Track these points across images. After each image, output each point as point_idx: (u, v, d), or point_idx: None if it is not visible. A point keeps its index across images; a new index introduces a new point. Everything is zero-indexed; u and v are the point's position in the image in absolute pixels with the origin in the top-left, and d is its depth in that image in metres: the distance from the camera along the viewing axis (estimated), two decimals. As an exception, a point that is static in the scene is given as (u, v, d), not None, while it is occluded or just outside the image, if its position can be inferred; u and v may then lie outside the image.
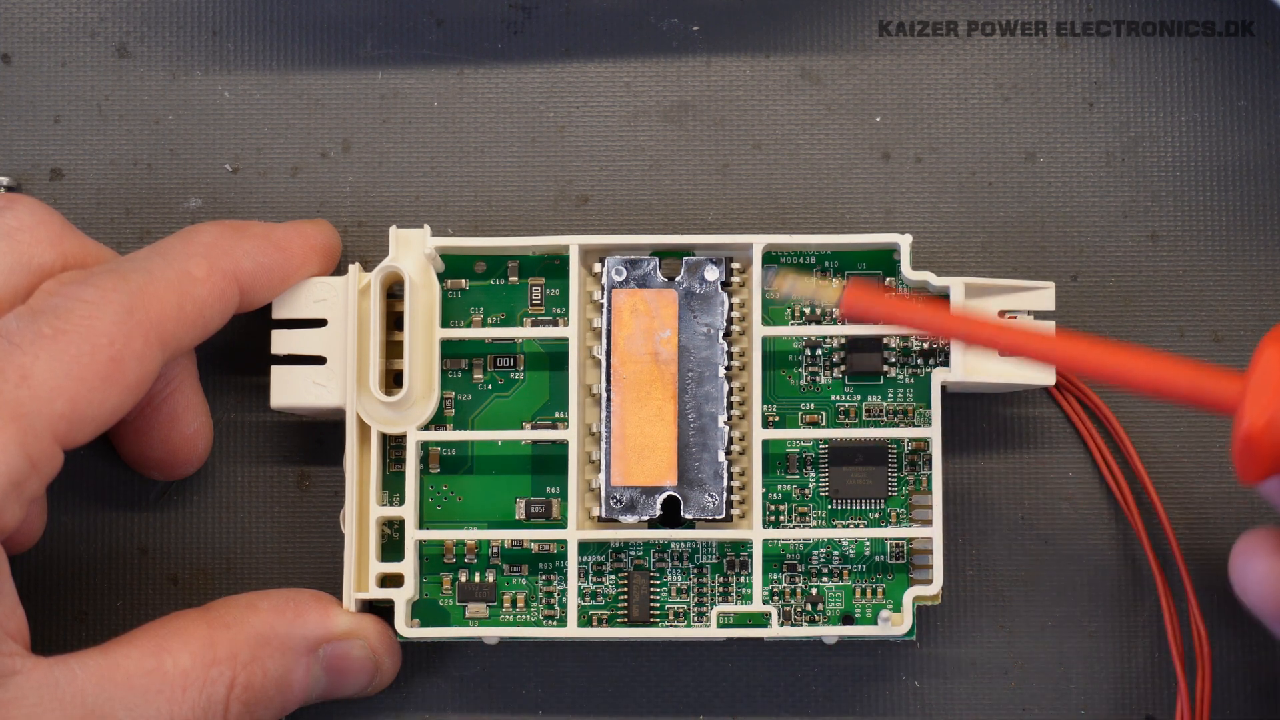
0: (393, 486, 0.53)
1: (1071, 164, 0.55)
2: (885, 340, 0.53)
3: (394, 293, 0.53)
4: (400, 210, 0.55)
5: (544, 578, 0.53)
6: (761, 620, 0.52)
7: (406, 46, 0.55)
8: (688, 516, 0.52)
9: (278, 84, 0.55)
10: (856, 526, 0.53)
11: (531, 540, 0.53)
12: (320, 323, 0.52)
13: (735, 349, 0.52)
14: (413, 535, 0.52)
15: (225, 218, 0.55)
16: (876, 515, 0.53)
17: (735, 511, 0.52)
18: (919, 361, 0.53)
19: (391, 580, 0.52)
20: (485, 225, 0.55)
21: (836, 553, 0.53)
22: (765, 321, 0.53)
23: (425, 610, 0.53)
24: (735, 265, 0.53)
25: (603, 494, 0.52)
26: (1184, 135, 0.55)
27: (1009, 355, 0.47)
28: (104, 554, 0.54)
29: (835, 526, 0.53)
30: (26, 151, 0.55)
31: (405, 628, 0.52)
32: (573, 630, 0.52)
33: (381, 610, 0.53)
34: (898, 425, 0.53)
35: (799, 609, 0.53)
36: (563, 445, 0.53)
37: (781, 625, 0.52)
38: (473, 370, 0.53)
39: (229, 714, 0.49)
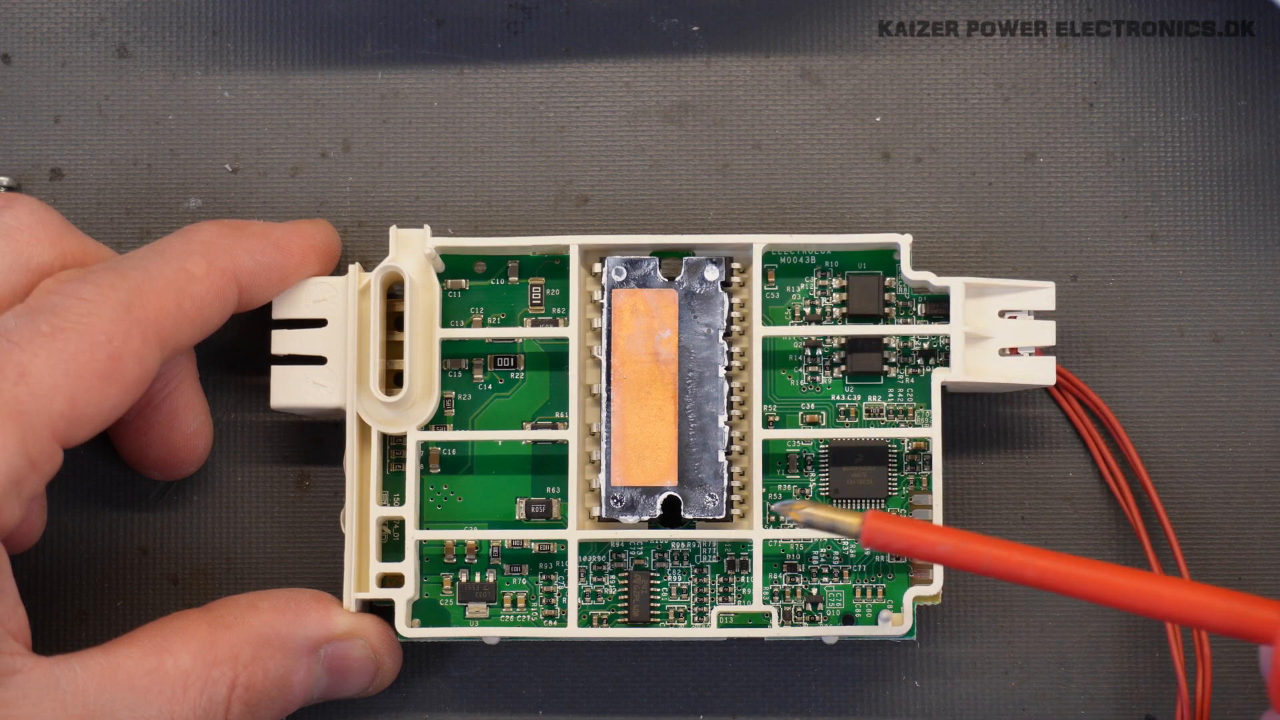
0: (393, 486, 0.53)
1: (1071, 164, 0.55)
2: (885, 340, 0.53)
3: (394, 293, 0.53)
4: (400, 210, 0.55)
5: (544, 578, 0.53)
6: (762, 620, 0.52)
7: (406, 46, 0.55)
8: (688, 516, 0.52)
9: (278, 84, 0.55)
10: (857, 526, 0.52)
11: (532, 540, 0.53)
12: (320, 323, 0.52)
13: (735, 349, 0.52)
14: (413, 535, 0.52)
15: (225, 217, 0.55)
16: (877, 515, 0.53)
17: (735, 511, 0.52)
18: (919, 361, 0.53)
19: (392, 580, 0.52)
20: (485, 225, 0.55)
21: (837, 553, 0.53)
22: (765, 321, 0.53)
23: (425, 610, 0.53)
24: (735, 265, 0.53)
25: (603, 494, 0.52)
26: (1184, 135, 0.55)
27: (1035, 587, 0.46)
28: (104, 554, 0.54)
29: (835, 526, 0.53)
30: (26, 151, 0.55)
31: (406, 628, 0.52)
32: (573, 630, 0.52)
33: (382, 610, 0.53)
34: (898, 425, 0.53)
35: (799, 609, 0.52)
36: (563, 445, 0.53)
37: (781, 625, 0.52)
38: (473, 370, 0.53)
39: (230, 714, 0.49)
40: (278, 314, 0.52)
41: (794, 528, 0.51)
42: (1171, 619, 0.45)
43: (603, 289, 0.52)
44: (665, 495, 0.52)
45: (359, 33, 0.55)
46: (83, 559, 0.54)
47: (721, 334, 0.52)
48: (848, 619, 0.52)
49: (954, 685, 0.54)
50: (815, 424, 0.53)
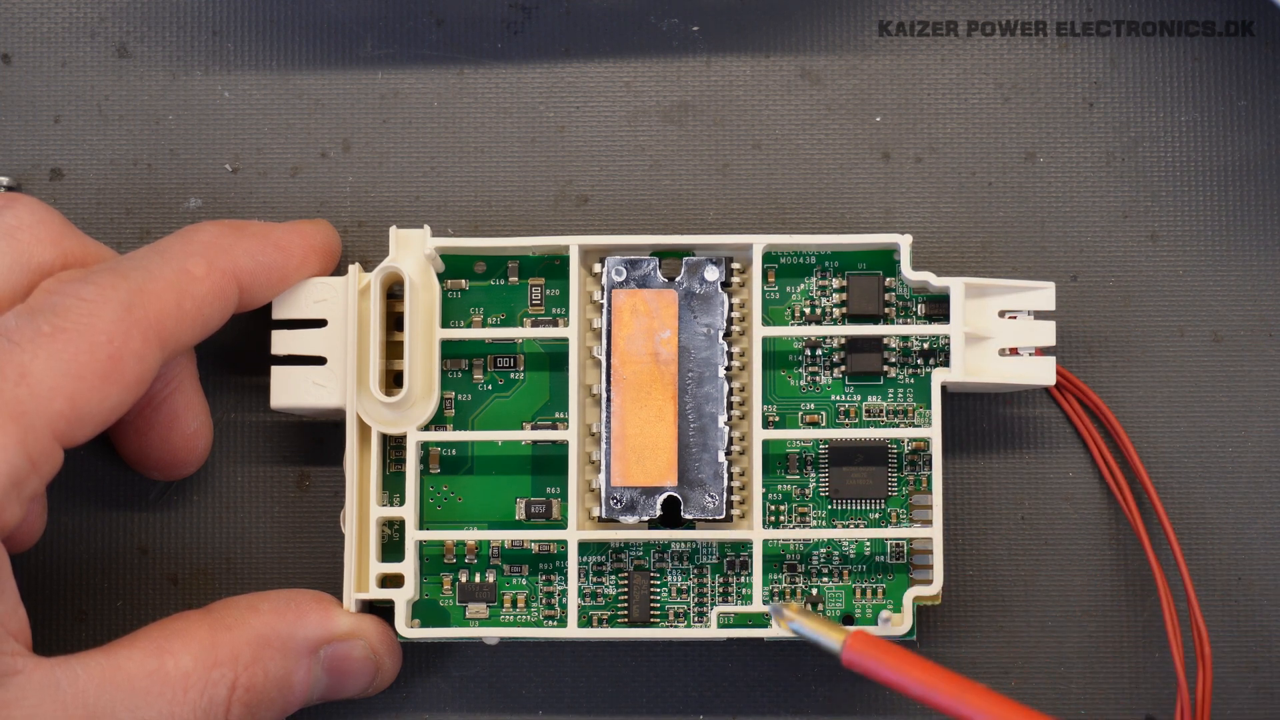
0: (393, 487, 0.53)
1: (1071, 164, 0.55)
2: (885, 340, 0.53)
3: (394, 293, 0.53)
4: (400, 210, 0.55)
5: (544, 578, 0.53)
6: (761, 620, 0.52)
7: (406, 46, 0.55)
8: (688, 517, 0.52)
9: (278, 84, 0.55)
10: (856, 527, 0.52)
11: (532, 540, 0.53)
12: (320, 323, 0.52)
13: (735, 349, 0.52)
14: (413, 535, 0.52)
15: (225, 218, 0.55)
16: (876, 515, 0.53)
17: (735, 512, 0.52)
18: (919, 361, 0.53)
19: (392, 581, 0.52)
20: (485, 225, 0.55)
21: (837, 553, 0.53)
22: (765, 321, 0.53)
23: (425, 610, 0.53)
24: (735, 265, 0.53)
25: (603, 494, 0.52)
26: (1184, 135, 0.55)
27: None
28: (104, 554, 0.54)
29: (835, 527, 0.53)
30: (26, 151, 0.55)
31: (405, 628, 0.52)
32: (573, 630, 0.52)
33: (382, 611, 0.53)
34: (898, 425, 0.53)
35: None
36: (563, 445, 0.53)
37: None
38: (473, 370, 0.53)
39: (230, 715, 0.49)
40: (278, 314, 0.52)
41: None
42: None
43: (603, 289, 0.52)
44: (665, 495, 0.52)
45: (359, 33, 0.55)
46: (83, 559, 0.54)
47: (721, 334, 0.52)
48: (848, 619, 0.52)
49: (954, 685, 0.54)
50: (815, 424, 0.53)
